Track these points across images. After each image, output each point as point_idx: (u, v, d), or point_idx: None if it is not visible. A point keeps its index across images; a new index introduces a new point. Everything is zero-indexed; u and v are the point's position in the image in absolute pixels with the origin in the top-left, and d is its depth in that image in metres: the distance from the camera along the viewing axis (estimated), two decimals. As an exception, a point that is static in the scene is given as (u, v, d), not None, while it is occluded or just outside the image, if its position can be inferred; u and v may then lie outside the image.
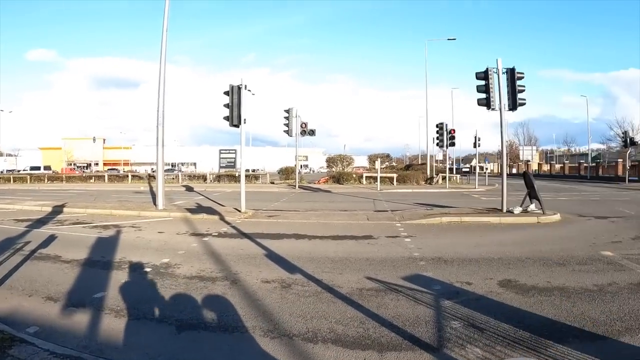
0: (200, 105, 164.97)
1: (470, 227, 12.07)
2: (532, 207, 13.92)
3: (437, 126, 31.60)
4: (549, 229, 11.65)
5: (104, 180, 43.40)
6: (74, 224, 12.75)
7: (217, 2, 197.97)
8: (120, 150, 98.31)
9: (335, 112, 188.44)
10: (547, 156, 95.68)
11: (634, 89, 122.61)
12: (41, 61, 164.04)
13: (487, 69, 13.95)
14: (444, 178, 34.94)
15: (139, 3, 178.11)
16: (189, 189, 30.76)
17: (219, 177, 41.75)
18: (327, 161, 52.13)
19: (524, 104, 13.88)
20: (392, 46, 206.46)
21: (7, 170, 62.06)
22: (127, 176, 45.32)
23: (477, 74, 14.18)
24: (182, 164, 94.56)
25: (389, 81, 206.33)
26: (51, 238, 9.95)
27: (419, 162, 67.58)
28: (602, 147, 77.38)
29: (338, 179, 36.78)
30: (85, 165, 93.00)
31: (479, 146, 33.48)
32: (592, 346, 4.02)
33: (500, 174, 15.49)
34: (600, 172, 53.44)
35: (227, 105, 14.75)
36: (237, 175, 35.15)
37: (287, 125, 28.15)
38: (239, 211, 14.77)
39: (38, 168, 65.68)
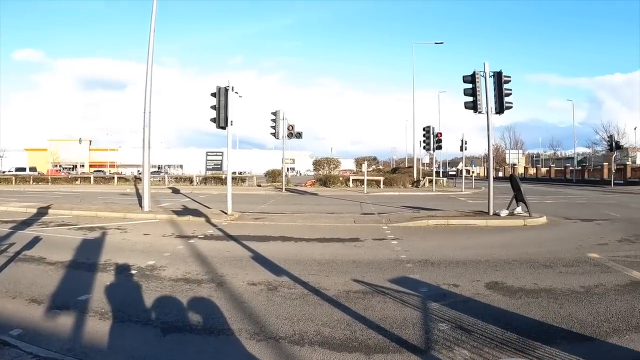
0: (188, 108, 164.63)
1: (457, 229, 12.09)
2: (519, 210, 13.98)
3: (424, 129, 31.78)
4: (536, 231, 11.71)
5: (90, 182, 43.05)
6: (59, 225, 12.57)
7: (205, 4, 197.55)
8: (107, 152, 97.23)
9: (323, 115, 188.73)
10: (534, 160, 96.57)
11: (620, 93, 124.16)
12: (28, 61, 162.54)
13: (474, 72, 13.99)
14: (430, 181, 35.04)
15: (126, 4, 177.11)
16: (176, 191, 30.55)
17: (205, 180, 41.49)
18: (314, 164, 52.14)
19: (511, 107, 13.94)
20: (380, 50, 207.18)
21: (-7, 172, 61.28)
22: (113, 178, 44.86)
23: (464, 77, 14.23)
24: (169, 166, 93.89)
25: (377, 84, 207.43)
26: (36, 240, 9.79)
27: (406, 166, 67.76)
28: (588, 150, 78.54)
29: (325, 181, 36.73)
30: (71, 166, 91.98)
31: (465, 149, 33.60)
32: (580, 347, 4.01)
33: (487, 177, 15.54)
34: (586, 176, 54.08)
35: (214, 107, 14.64)
36: (223, 177, 35.01)
37: (274, 127, 28.04)
38: (225, 213, 14.67)
39: (23, 169, 64.91)
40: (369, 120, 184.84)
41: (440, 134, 31.13)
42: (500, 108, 13.79)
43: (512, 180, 14.88)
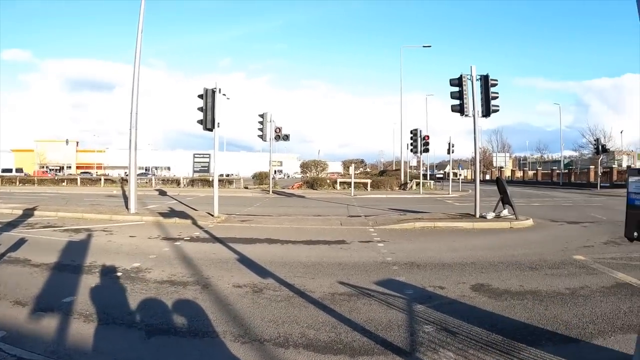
0: (175, 110, 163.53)
1: (443, 232, 12.10)
2: (505, 212, 14.03)
3: (411, 132, 31.91)
4: (522, 233, 11.75)
5: (77, 184, 42.81)
6: (44, 227, 12.44)
7: (193, 6, 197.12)
8: (94, 153, 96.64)
9: (310, 118, 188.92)
10: (521, 163, 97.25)
11: (606, 97, 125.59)
12: (16, 61, 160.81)
13: (461, 75, 14.02)
14: (417, 184, 35.17)
15: (115, 4, 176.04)
16: (162, 193, 30.41)
17: (192, 182, 41.33)
18: (301, 166, 52.33)
19: (498, 110, 14.00)
20: (368, 52, 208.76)
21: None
22: (100, 180, 44.68)
23: (451, 80, 14.26)
24: (156, 168, 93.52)
25: (364, 87, 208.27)
26: (21, 241, 9.68)
27: (394, 168, 67.99)
28: (574, 154, 79.13)
29: (312, 184, 36.72)
30: (58, 168, 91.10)
31: (452, 152, 33.72)
32: (565, 349, 4.01)
33: (474, 180, 15.59)
34: (572, 179, 54.62)
35: (201, 109, 14.58)
36: (211, 179, 34.86)
37: (261, 130, 27.96)
38: (212, 215, 14.59)
39: (10, 170, 64.25)
40: (356, 123, 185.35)
41: (428, 137, 31.27)
42: (487, 111, 13.84)
43: (499, 183, 14.93)
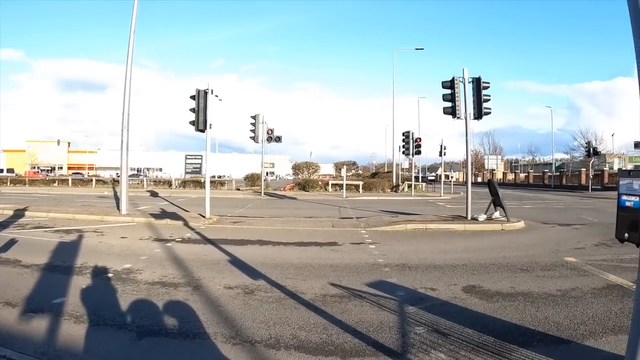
0: (168, 111, 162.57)
1: (434, 234, 12.12)
2: (497, 214, 14.06)
3: (403, 135, 31.99)
4: (513, 236, 11.78)
5: (68, 184, 42.59)
6: (35, 227, 12.39)
7: (186, 7, 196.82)
8: (86, 154, 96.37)
9: (303, 120, 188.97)
10: (512, 165, 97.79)
11: (598, 100, 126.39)
12: (8, 61, 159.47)
13: (453, 78, 14.07)
14: (409, 186, 35.24)
15: (108, 5, 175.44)
16: (154, 194, 30.26)
17: (184, 183, 41.19)
18: (293, 168, 52.16)
19: (489, 113, 14.05)
20: (361, 54, 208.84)
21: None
22: (92, 180, 44.50)
23: (443, 82, 14.29)
24: (148, 169, 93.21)
25: (357, 90, 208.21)
26: (11, 242, 9.62)
27: (386, 171, 68.02)
28: (566, 156, 79.67)
29: (304, 186, 36.66)
30: (50, 168, 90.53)
31: (444, 155, 33.80)
32: (556, 350, 4.01)
33: (465, 182, 15.63)
34: (564, 181, 54.91)
35: (193, 110, 14.55)
36: (202, 181, 34.76)
37: (253, 131, 27.95)
38: (204, 217, 14.54)
39: (1, 171, 63.88)
40: (349, 125, 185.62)
41: (420, 139, 31.37)
42: (479, 114, 13.89)
43: (490, 185, 14.97)
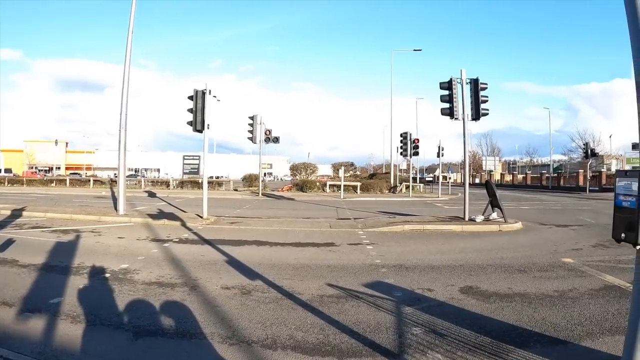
0: (166, 111, 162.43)
1: (432, 235, 12.11)
2: (494, 215, 14.08)
3: (401, 135, 31.95)
4: (511, 236, 11.79)
5: (66, 185, 42.42)
6: (33, 227, 12.37)
7: (185, 7, 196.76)
8: (83, 154, 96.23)
9: (301, 121, 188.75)
10: (510, 166, 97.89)
11: (595, 102, 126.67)
12: (6, 61, 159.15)
13: (451, 79, 14.08)
14: (407, 187, 35.20)
15: (106, 5, 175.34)
16: (152, 194, 30.22)
17: (182, 184, 41.11)
18: (291, 169, 52.19)
19: (487, 114, 14.06)
20: (359, 55, 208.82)
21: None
22: (89, 181, 44.35)
23: (441, 83, 14.30)
24: (146, 170, 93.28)
25: (355, 90, 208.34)
26: (9, 242, 9.60)
27: (383, 171, 68.09)
28: (563, 158, 79.93)
29: (302, 187, 36.62)
30: (48, 168, 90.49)
31: (442, 156, 33.85)
32: (553, 350, 4.02)
33: (463, 183, 15.63)
34: (561, 183, 54.97)
35: (191, 110, 14.54)
36: (200, 181, 34.74)
37: (251, 132, 27.88)
38: (201, 217, 14.52)
39: (-1, 170, 63.76)
40: (346, 126, 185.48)
41: (418, 140, 31.33)
42: (477, 115, 13.90)
43: (488, 186, 14.99)
